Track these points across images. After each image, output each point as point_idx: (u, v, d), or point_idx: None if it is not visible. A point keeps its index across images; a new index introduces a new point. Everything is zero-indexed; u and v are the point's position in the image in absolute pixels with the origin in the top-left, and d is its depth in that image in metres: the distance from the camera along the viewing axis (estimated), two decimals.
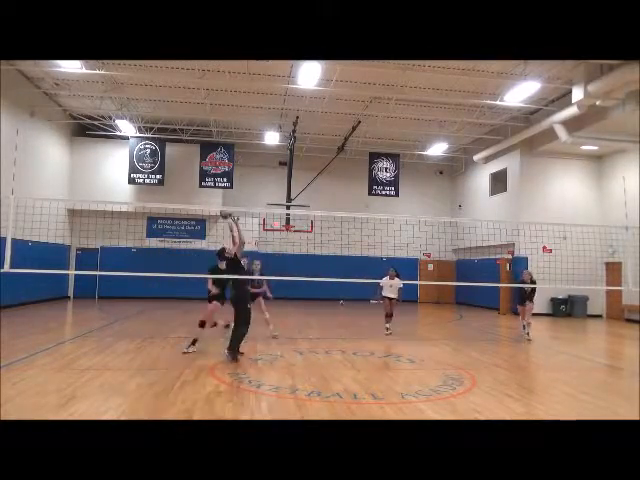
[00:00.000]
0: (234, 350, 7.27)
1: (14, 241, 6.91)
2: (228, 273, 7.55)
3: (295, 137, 17.57)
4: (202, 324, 8.00)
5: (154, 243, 19.45)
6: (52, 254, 16.24)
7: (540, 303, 17.37)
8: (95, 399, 5.12)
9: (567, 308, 17.05)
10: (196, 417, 4.60)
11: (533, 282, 11.20)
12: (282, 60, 12.66)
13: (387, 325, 10.95)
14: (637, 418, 5.01)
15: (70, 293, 18.85)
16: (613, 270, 16.33)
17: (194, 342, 7.95)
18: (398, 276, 11.02)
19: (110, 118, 17.52)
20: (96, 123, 17.80)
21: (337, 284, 13.47)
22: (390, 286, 10.92)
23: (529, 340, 10.65)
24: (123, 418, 4.53)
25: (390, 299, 10.98)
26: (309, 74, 12.80)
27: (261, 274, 9.70)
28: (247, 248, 18.43)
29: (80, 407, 4.78)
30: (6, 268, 6.77)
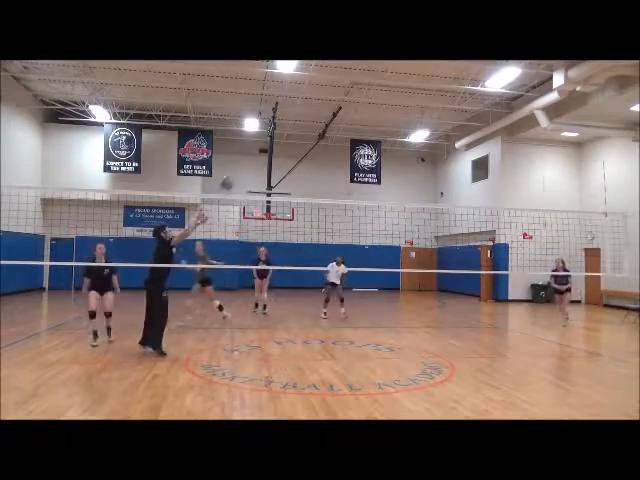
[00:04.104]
0: (160, 347, 6.81)
1: None
2: (156, 257, 6.98)
3: (275, 123, 17.21)
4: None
5: (132, 232, 18.99)
6: (25, 244, 15.74)
7: (520, 290, 17.53)
8: (58, 396, 4.87)
9: (547, 294, 17.17)
10: (163, 413, 4.40)
11: (566, 270, 11.16)
12: (281, 60, 12.35)
13: (325, 310, 11.62)
14: (616, 407, 4.97)
15: (45, 284, 18.36)
16: (592, 256, 16.45)
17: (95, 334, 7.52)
18: (344, 263, 11.73)
19: (83, 104, 16.94)
20: (69, 109, 17.17)
21: (320, 272, 13.38)
22: (336, 272, 11.58)
23: (564, 326, 10.84)
24: (86, 416, 4.31)
25: (334, 285, 11.65)
26: None
27: (267, 263, 11.43)
28: (228, 237, 18.34)
29: (41, 404, 4.53)
30: None
